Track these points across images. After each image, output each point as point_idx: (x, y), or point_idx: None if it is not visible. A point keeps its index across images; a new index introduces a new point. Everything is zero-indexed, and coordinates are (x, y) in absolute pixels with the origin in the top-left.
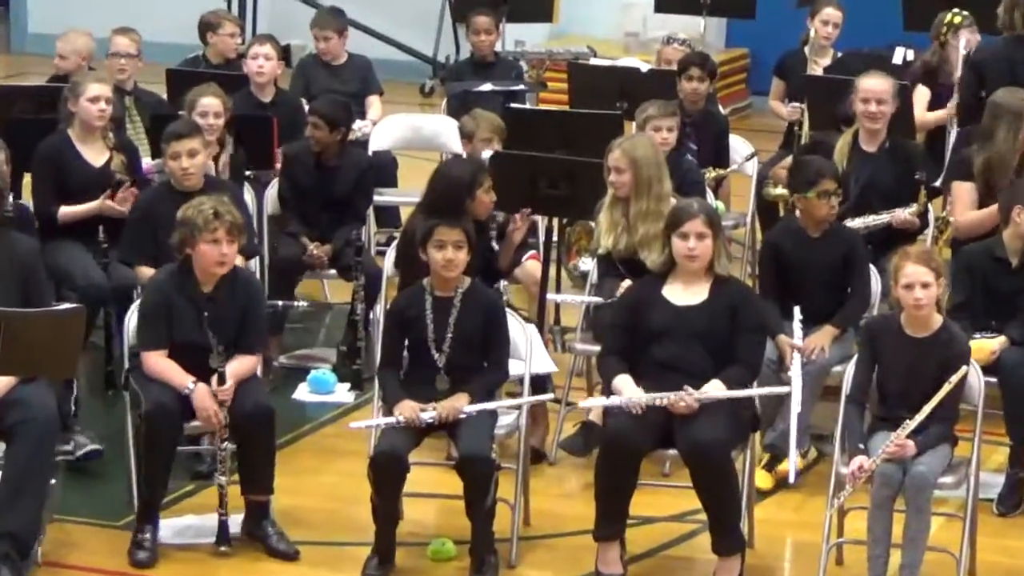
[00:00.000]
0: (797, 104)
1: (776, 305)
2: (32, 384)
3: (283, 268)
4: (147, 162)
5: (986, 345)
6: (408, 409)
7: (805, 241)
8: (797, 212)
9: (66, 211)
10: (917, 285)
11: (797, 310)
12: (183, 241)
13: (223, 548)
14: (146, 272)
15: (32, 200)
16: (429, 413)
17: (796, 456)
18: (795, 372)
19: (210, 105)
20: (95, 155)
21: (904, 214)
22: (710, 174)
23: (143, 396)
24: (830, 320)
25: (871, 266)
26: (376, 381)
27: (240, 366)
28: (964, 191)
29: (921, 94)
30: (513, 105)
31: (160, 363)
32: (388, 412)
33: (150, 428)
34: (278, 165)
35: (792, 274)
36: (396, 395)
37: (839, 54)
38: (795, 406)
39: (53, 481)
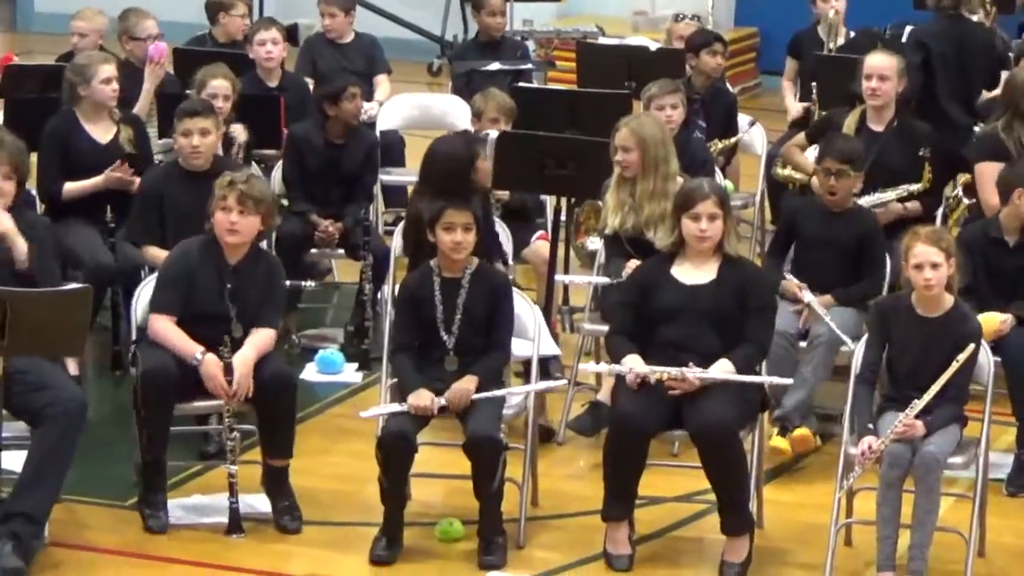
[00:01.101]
0: (803, 104)
1: (779, 267)
2: (57, 368)
3: (288, 246)
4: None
5: (993, 319)
6: (424, 399)
7: (823, 217)
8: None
9: (70, 187)
10: (927, 265)
11: (806, 287)
12: (210, 209)
13: (235, 536)
14: (152, 252)
15: (37, 179)
16: (439, 402)
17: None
18: (808, 297)
19: (220, 87)
20: (102, 132)
21: (911, 189)
22: (716, 145)
23: (141, 359)
24: (834, 292)
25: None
26: (390, 365)
27: (260, 338)
28: (994, 172)
29: None
30: (521, 84)
31: (168, 329)
32: (404, 397)
33: (145, 387)
34: None
35: (806, 248)
36: (413, 382)
37: (851, 33)
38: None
39: None
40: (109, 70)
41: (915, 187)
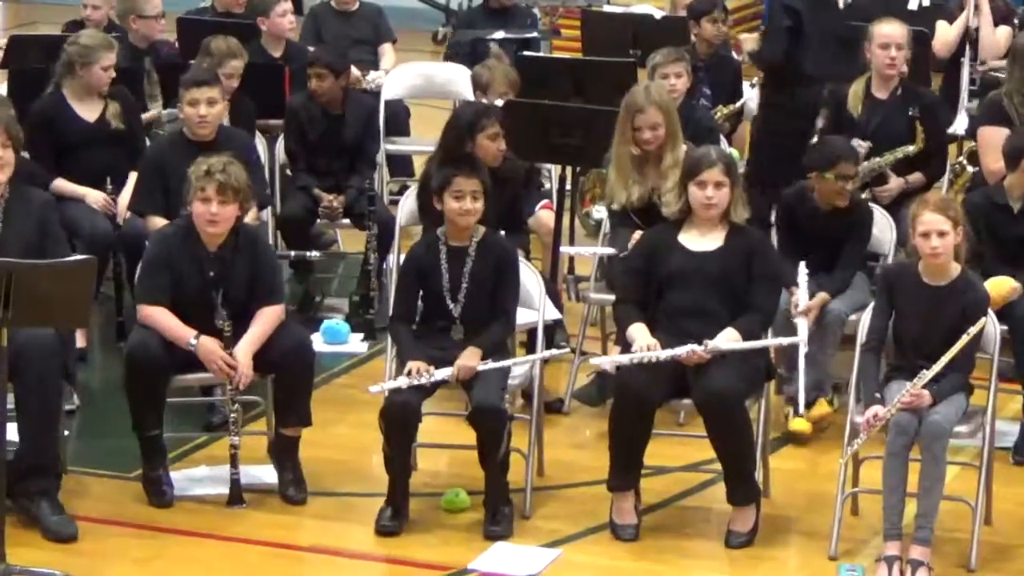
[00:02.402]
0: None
1: (793, 263)
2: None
3: (292, 223)
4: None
5: (1004, 282)
6: (417, 367)
7: (816, 212)
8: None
9: (59, 185)
10: (934, 233)
11: (803, 266)
12: (185, 197)
13: (236, 508)
14: (157, 222)
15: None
16: (444, 371)
17: (803, 396)
18: (800, 332)
19: (236, 68)
20: (89, 110)
21: (906, 151)
22: (722, 111)
23: (129, 337)
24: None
25: (886, 216)
26: (389, 333)
27: (265, 320)
28: (996, 137)
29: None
30: (526, 53)
31: (159, 316)
32: (402, 366)
33: (130, 366)
34: None
35: (801, 234)
36: (410, 350)
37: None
38: (802, 362)
39: (67, 433)
40: (111, 58)
41: (910, 148)
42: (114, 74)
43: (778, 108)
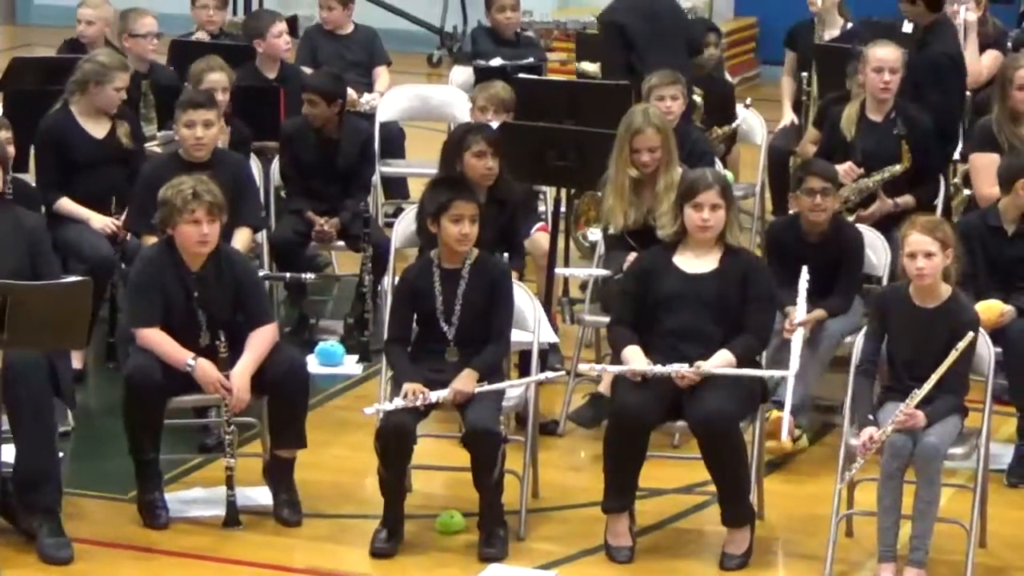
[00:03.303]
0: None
1: (785, 292)
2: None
3: (283, 246)
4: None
5: (995, 306)
6: (412, 390)
7: (804, 243)
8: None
9: (63, 205)
10: (920, 254)
11: (804, 270)
12: (164, 221)
13: (232, 529)
14: (153, 241)
15: (36, 182)
16: (440, 394)
17: (789, 418)
18: (794, 351)
19: (217, 80)
20: (98, 127)
21: (893, 171)
22: (717, 131)
23: (126, 361)
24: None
25: (880, 238)
26: (384, 356)
27: (259, 341)
28: (987, 162)
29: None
30: (520, 76)
31: (155, 339)
32: (398, 388)
33: (129, 389)
34: None
35: (792, 263)
36: (405, 372)
37: (849, 25)
38: (790, 382)
39: (61, 454)
40: (124, 79)
41: (897, 168)
42: (125, 96)
43: None
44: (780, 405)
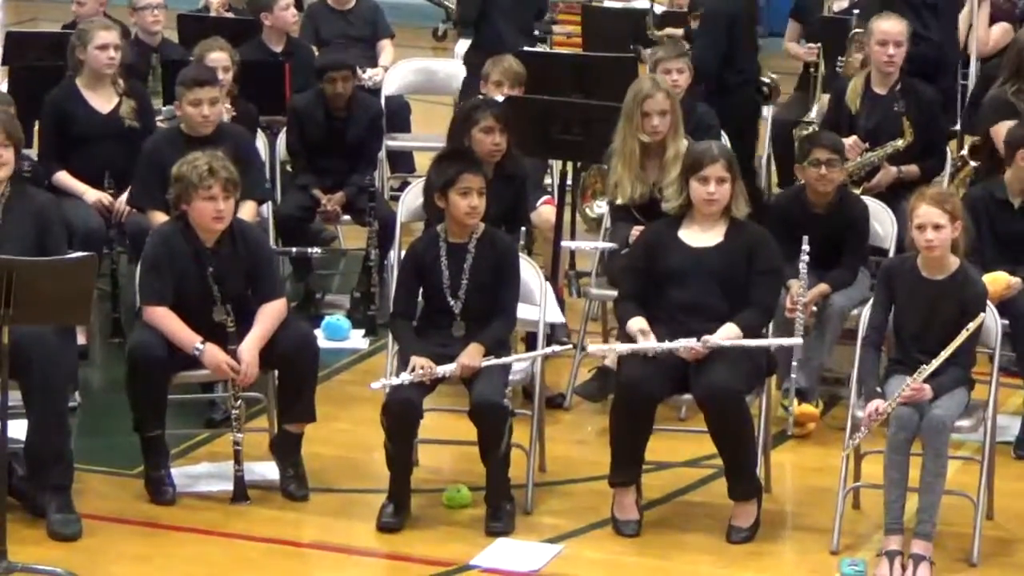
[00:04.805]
0: (813, 45)
1: (791, 266)
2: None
3: (287, 221)
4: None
5: (1001, 278)
6: (420, 365)
7: (809, 215)
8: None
9: (61, 178)
10: (929, 226)
11: (805, 241)
12: (179, 197)
13: (240, 504)
14: (158, 217)
15: (38, 152)
16: (447, 368)
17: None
18: (797, 328)
19: (219, 59)
20: (103, 102)
21: (896, 146)
22: None
23: (130, 337)
24: (824, 279)
25: (887, 209)
26: (390, 330)
27: (268, 316)
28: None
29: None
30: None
31: (165, 319)
32: (404, 362)
33: (132, 365)
34: None
35: (797, 236)
36: (411, 346)
37: None
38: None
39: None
40: (106, 36)
41: (899, 143)
42: (114, 54)
43: None
44: (801, 395)
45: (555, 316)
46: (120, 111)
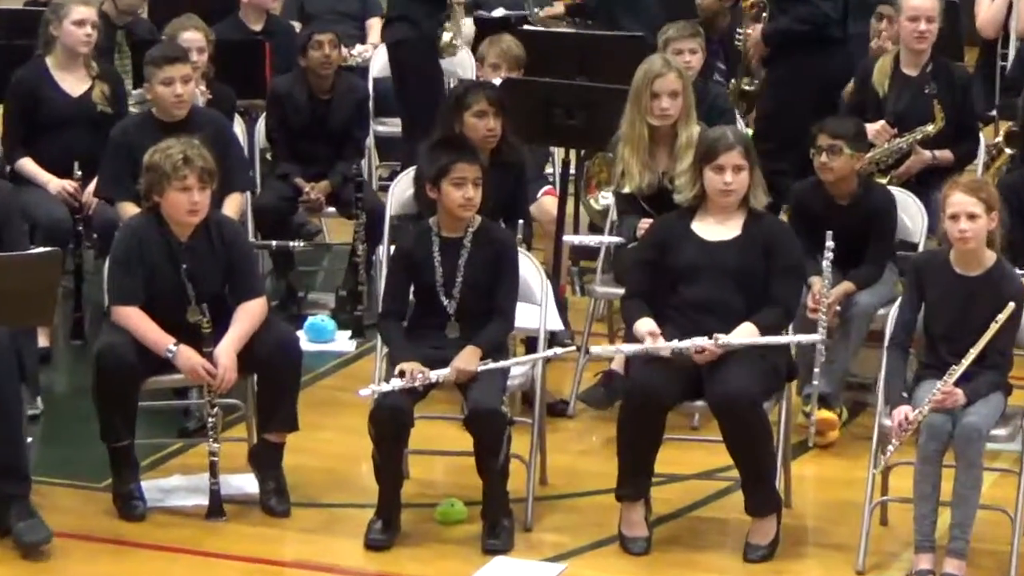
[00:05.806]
0: None
1: (812, 262)
2: None
3: (267, 214)
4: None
5: None
6: (411, 371)
7: (831, 207)
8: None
9: (24, 165)
10: (963, 216)
11: (830, 236)
12: (151, 188)
13: (215, 520)
14: (128, 208)
15: (1, 137)
16: (440, 373)
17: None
18: (820, 325)
19: (193, 39)
20: (75, 84)
21: (926, 131)
22: (735, 87)
23: (98, 339)
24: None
25: (916, 201)
26: (378, 331)
27: (247, 315)
28: None
29: None
30: (526, 27)
31: (135, 320)
32: (393, 366)
33: (99, 369)
34: None
35: (818, 229)
36: (401, 351)
37: None
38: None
39: (29, 439)
40: (83, 12)
41: (929, 128)
42: (91, 32)
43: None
44: (824, 401)
45: (554, 324)
46: (92, 95)
